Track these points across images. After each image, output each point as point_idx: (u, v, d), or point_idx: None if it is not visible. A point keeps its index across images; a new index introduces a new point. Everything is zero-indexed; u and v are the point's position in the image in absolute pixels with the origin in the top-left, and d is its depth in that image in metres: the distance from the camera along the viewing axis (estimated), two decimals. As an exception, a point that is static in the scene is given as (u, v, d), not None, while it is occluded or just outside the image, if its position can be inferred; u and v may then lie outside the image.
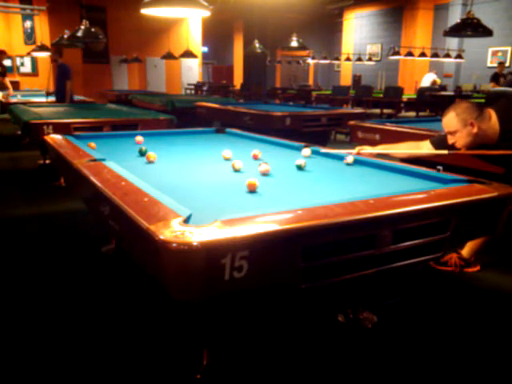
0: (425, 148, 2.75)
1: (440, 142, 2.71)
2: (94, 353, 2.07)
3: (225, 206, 1.78)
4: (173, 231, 1.32)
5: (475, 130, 2.45)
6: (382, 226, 1.64)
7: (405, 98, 9.75)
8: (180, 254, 1.28)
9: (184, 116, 6.70)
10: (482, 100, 8.39)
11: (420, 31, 14.51)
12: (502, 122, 2.48)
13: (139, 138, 3.27)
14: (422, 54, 12.16)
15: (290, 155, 2.88)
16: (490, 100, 7.06)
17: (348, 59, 15.30)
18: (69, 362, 2.01)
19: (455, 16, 12.43)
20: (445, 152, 2.61)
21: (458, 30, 6.01)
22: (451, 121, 2.50)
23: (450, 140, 2.55)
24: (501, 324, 2.38)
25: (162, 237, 1.30)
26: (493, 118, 2.49)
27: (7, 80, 8.89)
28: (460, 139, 2.51)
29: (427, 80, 12.02)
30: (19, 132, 4.61)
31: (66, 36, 8.79)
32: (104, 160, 2.37)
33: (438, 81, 12.24)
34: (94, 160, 2.37)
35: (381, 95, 10.38)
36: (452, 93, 10.35)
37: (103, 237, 3.21)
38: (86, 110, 5.88)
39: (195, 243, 1.26)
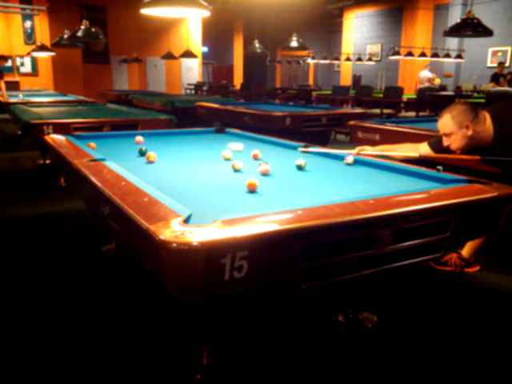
0: (422, 150, 2.75)
1: (437, 144, 2.71)
2: (94, 352, 2.08)
3: (225, 206, 1.78)
4: (173, 231, 1.32)
5: (470, 132, 2.46)
6: (381, 226, 1.64)
7: (405, 97, 9.75)
8: (180, 254, 1.28)
9: (184, 116, 6.70)
10: (482, 100, 8.39)
11: (420, 31, 14.51)
12: (497, 125, 2.49)
13: (139, 138, 3.27)
14: (422, 54, 12.16)
15: (290, 155, 2.88)
16: (490, 100, 7.06)
17: (348, 59, 15.30)
18: (69, 361, 2.01)
19: (455, 16, 12.43)
20: (416, 155, 2.64)
21: (458, 30, 6.02)
22: (447, 123, 2.51)
23: (445, 142, 2.56)
24: (501, 324, 2.38)
25: (162, 237, 1.30)
26: (487, 121, 2.51)
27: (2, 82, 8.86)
28: (455, 141, 2.52)
29: (423, 78, 12.00)
30: (19, 132, 4.60)
31: (65, 36, 8.81)
32: (104, 160, 2.37)
33: (438, 80, 12.23)
34: (94, 160, 2.37)
35: (381, 95, 10.37)
36: (452, 93, 10.35)
37: (103, 237, 3.21)
38: (86, 109, 5.88)
39: (195, 243, 1.26)
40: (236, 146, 2.87)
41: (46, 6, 11.72)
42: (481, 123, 2.49)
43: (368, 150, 2.77)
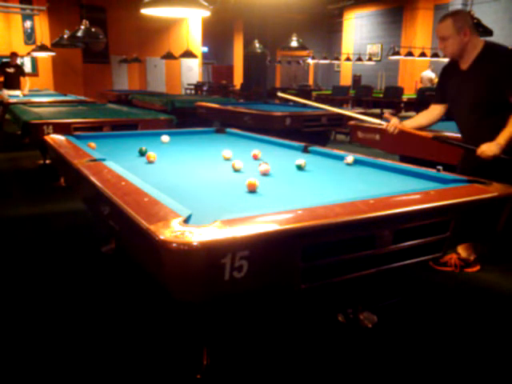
0: (435, 112, 2.87)
1: (438, 96, 2.88)
2: (94, 353, 2.07)
3: (225, 206, 1.78)
4: (173, 231, 1.32)
5: (467, 39, 2.56)
6: (381, 226, 1.64)
7: (405, 97, 9.75)
8: (180, 253, 1.28)
9: (184, 116, 6.70)
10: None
11: (420, 31, 14.50)
12: (484, 47, 2.60)
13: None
14: (422, 54, 12.17)
15: (290, 155, 2.88)
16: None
17: (348, 59, 15.31)
18: (69, 361, 2.01)
19: (455, 16, 12.40)
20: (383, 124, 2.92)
21: (458, 30, 6.01)
22: (447, 26, 2.59)
23: (440, 45, 2.68)
24: (501, 324, 2.38)
25: (162, 237, 1.30)
26: (480, 42, 2.62)
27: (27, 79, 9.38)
28: (450, 46, 2.62)
29: (426, 78, 11.99)
30: (19, 132, 4.61)
31: (66, 36, 8.81)
32: (104, 160, 2.37)
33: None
34: (94, 160, 2.37)
35: (381, 95, 10.37)
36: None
37: (103, 237, 3.21)
38: (86, 109, 5.88)
39: (195, 243, 1.26)
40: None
41: (46, 6, 11.71)
42: (475, 36, 2.60)
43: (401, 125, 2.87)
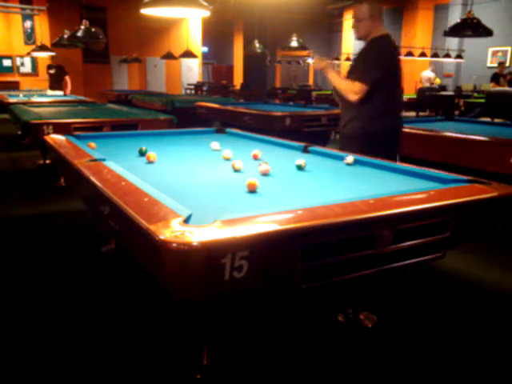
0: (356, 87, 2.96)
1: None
2: (94, 352, 2.08)
3: (225, 206, 1.78)
4: (173, 231, 1.32)
5: (375, 25, 2.90)
6: (381, 226, 1.64)
7: (405, 97, 9.75)
8: (180, 253, 1.28)
9: (184, 116, 6.70)
10: (482, 100, 8.39)
11: (420, 31, 14.51)
12: (380, 37, 2.90)
13: (216, 146, 3.05)
14: (422, 54, 12.18)
15: (290, 155, 2.88)
16: (490, 100, 7.06)
17: (348, 59, 15.30)
18: (69, 361, 2.01)
19: (455, 16, 12.44)
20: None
21: (458, 30, 6.04)
22: (363, 10, 2.90)
23: (353, 25, 3.00)
24: (501, 324, 2.38)
25: (162, 237, 1.30)
26: (384, 31, 2.94)
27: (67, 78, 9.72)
28: (361, 28, 2.94)
29: (425, 78, 12.01)
30: (19, 132, 4.61)
31: (65, 36, 8.82)
32: (104, 160, 2.37)
33: (438, 81, 12.22)
34: (94, 160, 2.37)
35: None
36: (452, 93, 10.35)
37: (103, 237, 3.21)
38: (86, 109, 5.88)
39: (195, 243, 1.26)
40: (216, 145, 3.03)
41: (46, 6, 11.71)
42: (381, 25, 2.95)
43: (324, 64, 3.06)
